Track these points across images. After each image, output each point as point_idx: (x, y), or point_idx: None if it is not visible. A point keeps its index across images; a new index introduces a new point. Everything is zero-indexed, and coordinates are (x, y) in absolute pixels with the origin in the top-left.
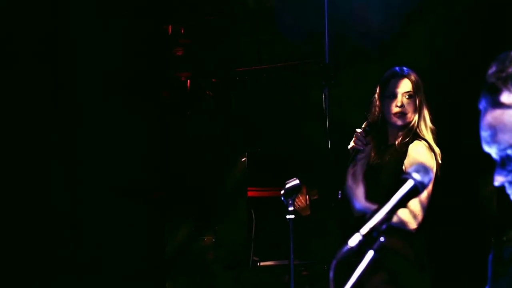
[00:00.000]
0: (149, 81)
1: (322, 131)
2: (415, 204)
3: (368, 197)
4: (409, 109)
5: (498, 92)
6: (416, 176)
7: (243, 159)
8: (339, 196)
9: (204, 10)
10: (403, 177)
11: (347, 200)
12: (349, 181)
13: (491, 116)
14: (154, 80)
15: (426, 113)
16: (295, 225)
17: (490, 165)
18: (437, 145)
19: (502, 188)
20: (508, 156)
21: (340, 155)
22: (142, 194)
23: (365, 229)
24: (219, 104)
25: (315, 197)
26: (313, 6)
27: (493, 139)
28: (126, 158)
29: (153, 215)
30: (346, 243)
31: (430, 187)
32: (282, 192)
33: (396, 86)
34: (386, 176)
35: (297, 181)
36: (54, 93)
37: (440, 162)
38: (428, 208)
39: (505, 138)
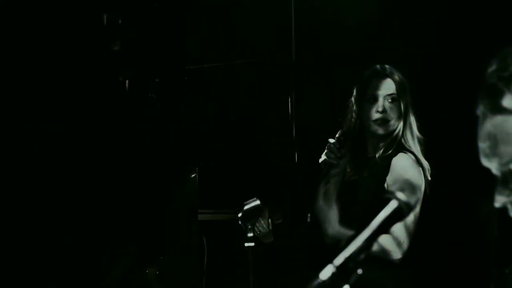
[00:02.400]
0: (79, 82)
1: (288, 141)
2: (399, 229)
3: (343, 220)
4: (392, 115)
5: (500, 95)
6: (401, 195)
7: (193, 176)
8: (308, 220)
9: None
10: (385, 197)
11: (318, 224)
12: (320, 202)
13: (491, 124)
14: (85, 81)
15: (412, 119)
16: (255, 255)
17: (489, 183)
18: (426, 158)
19: (503, 209)
20: (511, 171)
21: (309, 170)
22: (72, 217)
23: (339, 260)
24: (164, 109)
25: (279, 221)
26: None
27: (493, 151)
28: (53, 174)
29: (86, 244)
30: (316, 276)
31: (417, 208)
32: (240, 215)
33: (376, 87)
34: (365, 196)
35: (257, 202)
36: None
37: (429, 178)
38: (415, 234)
39: (507, 150)
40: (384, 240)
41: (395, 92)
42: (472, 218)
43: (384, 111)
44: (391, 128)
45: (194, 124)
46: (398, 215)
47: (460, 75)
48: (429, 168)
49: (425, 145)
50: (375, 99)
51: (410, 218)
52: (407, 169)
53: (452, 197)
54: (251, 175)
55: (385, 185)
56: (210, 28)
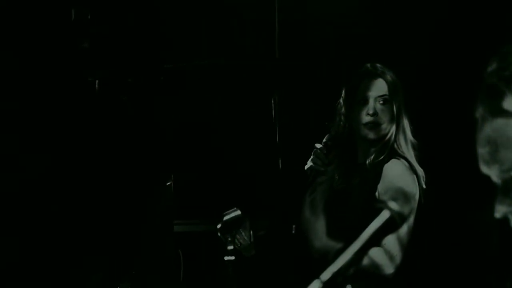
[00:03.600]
0: (44, 83)
1: (271, 146)
2: (391, 241)
3: (331, 232)
4: (384, 117)
5: (500, 96)
6: (393, 205)
7: (169, 184)
8: (293, 232)
9: None
10: (376, 207)
11: (304, 236)
12: (307, 212)
13: (491, 128)
14: (51, 82)
15: (406, 123)
16: (235, 269)
17: (489, 191)
18: (420, 165)
19: (504, 220)
20: None
21: (294, 178)
22: (39, 231)
23: (326, 275)
24: (137, 112)
25: (261, 233)
26: None
27: (494, 157)
28: (18, 184)
29: (53, 258)
30: None
31: (411, 219)
32: (219, 226)
33: (367, 88)
34: (355, 205)
35: (238, 212)
36: None
37: (424, 186)
38: (408, 247)
39: (508, 155)
40: (375, 253)
41: (387, 93)
42: (471, 229)
43: (375, 113)
44: (383, 132)
45: (169, 129)
46: (390, 226)
47: (458, 75)
48: (424, 176)
49: (419, 150)
50: (365, 101)
51: (403, 229)
52: (400, 176)
53: (449, 207)
54: (231, 183)
55: (377, 194)
56: (187, 24)
